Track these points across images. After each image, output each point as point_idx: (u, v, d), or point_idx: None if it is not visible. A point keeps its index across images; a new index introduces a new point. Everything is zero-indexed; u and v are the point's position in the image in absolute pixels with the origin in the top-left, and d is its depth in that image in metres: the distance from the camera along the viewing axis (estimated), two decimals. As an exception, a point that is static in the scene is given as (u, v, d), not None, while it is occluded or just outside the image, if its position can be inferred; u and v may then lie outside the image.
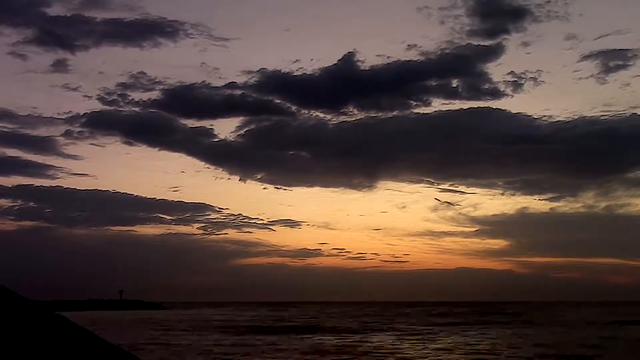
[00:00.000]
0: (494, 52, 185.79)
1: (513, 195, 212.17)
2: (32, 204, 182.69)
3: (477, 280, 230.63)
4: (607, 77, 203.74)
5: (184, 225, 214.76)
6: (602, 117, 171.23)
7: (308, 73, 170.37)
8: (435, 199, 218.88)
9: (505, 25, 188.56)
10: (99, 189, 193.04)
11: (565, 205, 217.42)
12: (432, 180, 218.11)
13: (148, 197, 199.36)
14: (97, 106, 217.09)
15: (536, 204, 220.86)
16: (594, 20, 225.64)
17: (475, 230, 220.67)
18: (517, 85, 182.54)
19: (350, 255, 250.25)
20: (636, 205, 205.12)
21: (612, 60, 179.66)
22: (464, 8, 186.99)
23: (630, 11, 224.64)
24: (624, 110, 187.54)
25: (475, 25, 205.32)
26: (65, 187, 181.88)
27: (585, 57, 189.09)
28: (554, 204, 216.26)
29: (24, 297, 13.95)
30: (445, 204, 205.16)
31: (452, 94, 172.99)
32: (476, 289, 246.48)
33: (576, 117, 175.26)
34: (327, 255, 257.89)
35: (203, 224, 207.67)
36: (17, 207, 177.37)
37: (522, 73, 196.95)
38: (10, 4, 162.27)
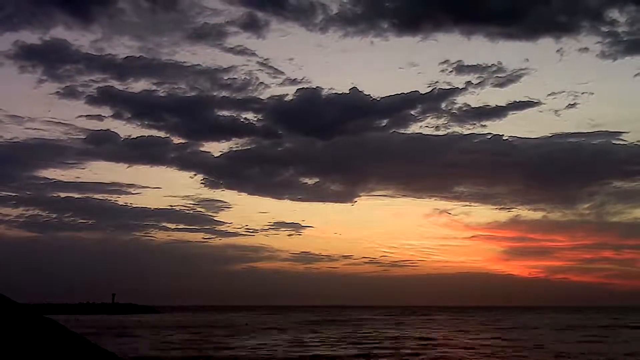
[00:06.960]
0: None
1: (505, 205, 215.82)
2: (42, 212, 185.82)
3: (476, 284, 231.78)
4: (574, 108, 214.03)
5: (188, 232, 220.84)
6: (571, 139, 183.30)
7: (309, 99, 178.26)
8: (435, 208, 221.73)
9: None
10: (107, 198, 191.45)
11: (557, 214, 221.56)
12: (426, 191, 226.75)
13: (153, 207, 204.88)
14: (108, 126, 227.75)
15: (527, 212, 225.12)
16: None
17: (471, 237, 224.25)
18: (500, 114, 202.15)
19: (351, 261, 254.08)
20: (626, 213, 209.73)
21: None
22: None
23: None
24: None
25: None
26: (77, 197, 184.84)
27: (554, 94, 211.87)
28: (546, 212, 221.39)
29: (13, 300, 14.11)
30: (440, 212, 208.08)
31: (440, 120, 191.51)
32: (475, 293, 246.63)
33: (550, 137, 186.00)
34: (328, 260, 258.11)
35: (204, 231, 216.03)
36: (26, 215, 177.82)
37: (504, 103, 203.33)
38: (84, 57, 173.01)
